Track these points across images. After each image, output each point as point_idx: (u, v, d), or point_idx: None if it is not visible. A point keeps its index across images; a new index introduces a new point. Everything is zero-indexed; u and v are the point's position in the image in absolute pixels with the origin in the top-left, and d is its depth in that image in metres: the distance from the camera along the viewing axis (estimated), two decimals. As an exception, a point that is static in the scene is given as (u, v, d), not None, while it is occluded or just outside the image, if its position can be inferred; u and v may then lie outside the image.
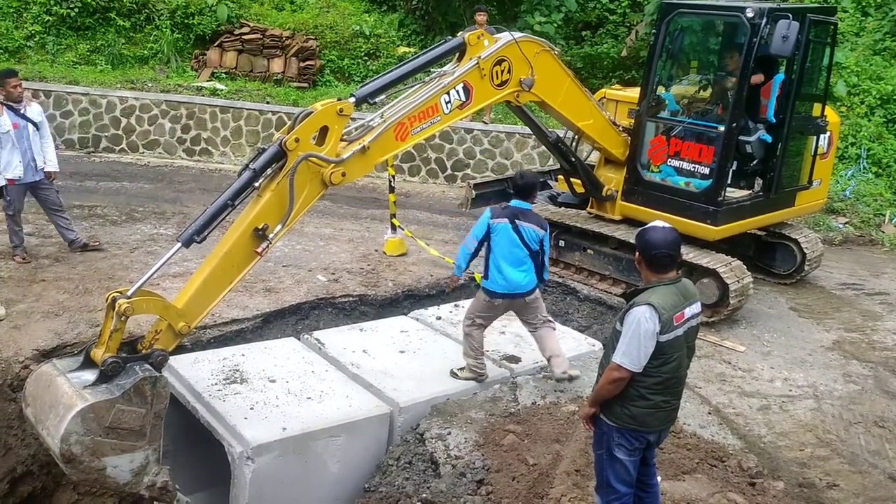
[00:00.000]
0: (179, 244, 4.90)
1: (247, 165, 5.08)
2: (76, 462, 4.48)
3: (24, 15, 14.51)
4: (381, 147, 5.81)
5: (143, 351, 4.80)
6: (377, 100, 5.96)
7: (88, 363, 4.76)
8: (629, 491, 4.33)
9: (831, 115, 9.06)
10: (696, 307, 4.23)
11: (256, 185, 5.06)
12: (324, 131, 5.37)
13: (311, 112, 5.28)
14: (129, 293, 4.70)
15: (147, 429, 4.68)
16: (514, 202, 6.13)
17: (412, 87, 6.25)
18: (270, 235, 5.07)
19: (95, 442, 4.50)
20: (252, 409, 5.51)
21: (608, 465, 4.31)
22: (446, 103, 6.31)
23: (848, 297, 9.11)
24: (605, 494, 4.38)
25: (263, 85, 14.20)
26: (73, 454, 4.45)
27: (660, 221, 4.35)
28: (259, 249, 5.05)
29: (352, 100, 5.59)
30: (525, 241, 6.01)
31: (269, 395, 5.72)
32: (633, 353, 4.03)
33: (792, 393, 6.87)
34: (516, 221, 5.99)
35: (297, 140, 5.12)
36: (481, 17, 12.45)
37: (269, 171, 5.14)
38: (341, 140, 5.51)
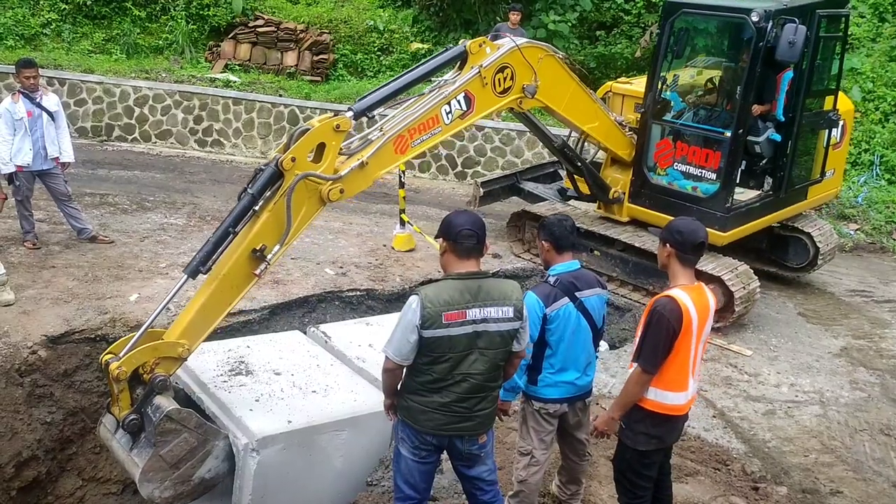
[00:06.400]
0: (186, 276, 4.93)
1: (245, 189, 5.02)
2: (177, 498, 4.82)
3: (41, 3, 14.60)
4: (380, 161, 5.70)
5: (145, 376, 4.85)
6: (376, 113, 5.86)
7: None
8: (413, 495, 4.19)
9: (844, 102, 8.82)
10: (494, 311, 3.89)
11: (256, 208, 5.00)
12: (320, 148, 5.26)
13: (308, 129, 5.17)
14: (121, 353, 4.75)
15: (202, 436, 4.85)
16: (560, 266, 4.57)
17: (412, 97, 6.15)
18: (269, 256, 5.01)
19: (175, 479, 4.77)
20: (257, 400, 5.52)
21: (395, 460, 4.26)
22: (447, 114, 6.18)
23: (857, 303, 9.06)
24: (395, 491, 4.31)
25: (276, 78, 14.22)
26: (168, 498, 4.77)
27: None
28: (257, 271, 5.01)
29: (349, 114, 5.51)
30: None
31: (275, 388, 5.73)
32: (394, 342, 3.93)
33: (798, 398, 6.85)
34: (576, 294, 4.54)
35: (293, 159, 5.03)
36: (515, 17, 12.36)
37: (267, 192, 5.07)
38: (340, 154, 5.42)
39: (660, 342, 4.03)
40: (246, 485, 5.09)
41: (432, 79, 6.41)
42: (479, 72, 6.38)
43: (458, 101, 6.28)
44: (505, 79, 6.65)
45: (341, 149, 5.43)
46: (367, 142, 5.70)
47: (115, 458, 5.09)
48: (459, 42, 6.64)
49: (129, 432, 4.83)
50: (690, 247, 4.11)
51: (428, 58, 6.53)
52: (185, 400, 5.47)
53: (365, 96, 5.85)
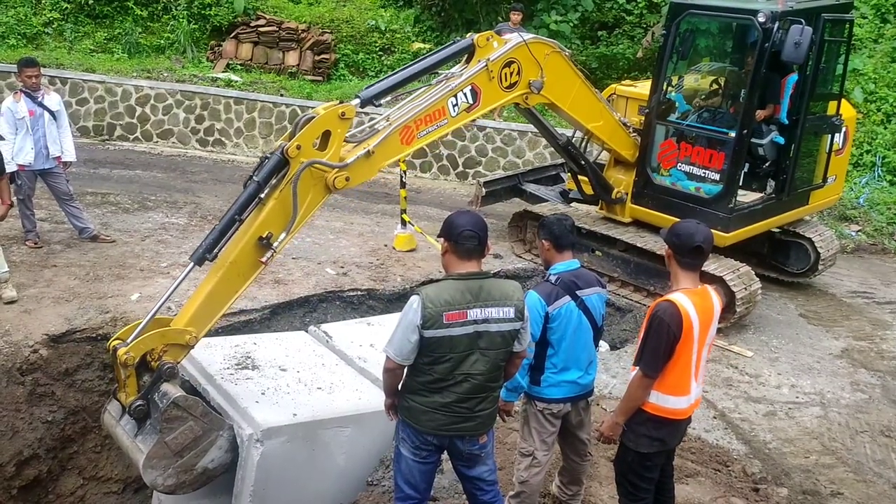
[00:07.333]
0: (192, 264, 4.93)
1: (251, 177, 5.02)
2: (180, 486, 4.81)
3: (43, 2, 14.63)
4: (385, 151, 5.69)
5: (153, 363, 4.86)
6: (382, 101, 5.86)
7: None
8: (414, 495, 4.20)
9: (847, 108, 8.84)
10: (496, 311, 3.91)
11: (262, 195, 5.00)
12: (326, 135, 5.25)
13: (313, 117, 5.16)
14: (129, 339, 4.77)
15: (207, 424, 4.85)
16: (560, 265, 4.60)
17: (419, 89, 6.16)
18: (275, 244, 5.01)
19: (178, 467, 4.77)
20: (263, 394, 5.52)
21: (396, 459, 4.27)
22: (453, 106, 6.19)
23: (858, 305, 9.06)
24: (395, 491, 4.32)
25: (278, 77, 14.24)
26: (170, 485, 4.79)
27: None
28: (264, 259, 5.00)
29: (356, 101, 5.50)
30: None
31: (280, 383, 5.72)
32: (395, 341, 3.93)
33: (798, 400, 6.85)
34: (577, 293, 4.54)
35: (298, 147, 5.02)
36: (516, 17, 12.39)
37: (273, 180, 5.07)
38: (346, 142, 5.42)
39: (660, 347, 4.03)
40: (248, 476, 5.07)
41: (439, 71, 6.40)
42: (487, 65, 6.38)
43: (465, 94, 6.28)
44: (511, 73, 6.65)
45: (347, 136, 5.42)
46: (373, 131, 5.69)
47: (119, 445, 5.08)
48: (466, 36, 6.64)
49: (134, 418, 4.83)
50: (687, 250, 4.09)
51: (435, 49, 6.52)
52: (191, 391, 5.46)
53: (373, 84, 5.85)
